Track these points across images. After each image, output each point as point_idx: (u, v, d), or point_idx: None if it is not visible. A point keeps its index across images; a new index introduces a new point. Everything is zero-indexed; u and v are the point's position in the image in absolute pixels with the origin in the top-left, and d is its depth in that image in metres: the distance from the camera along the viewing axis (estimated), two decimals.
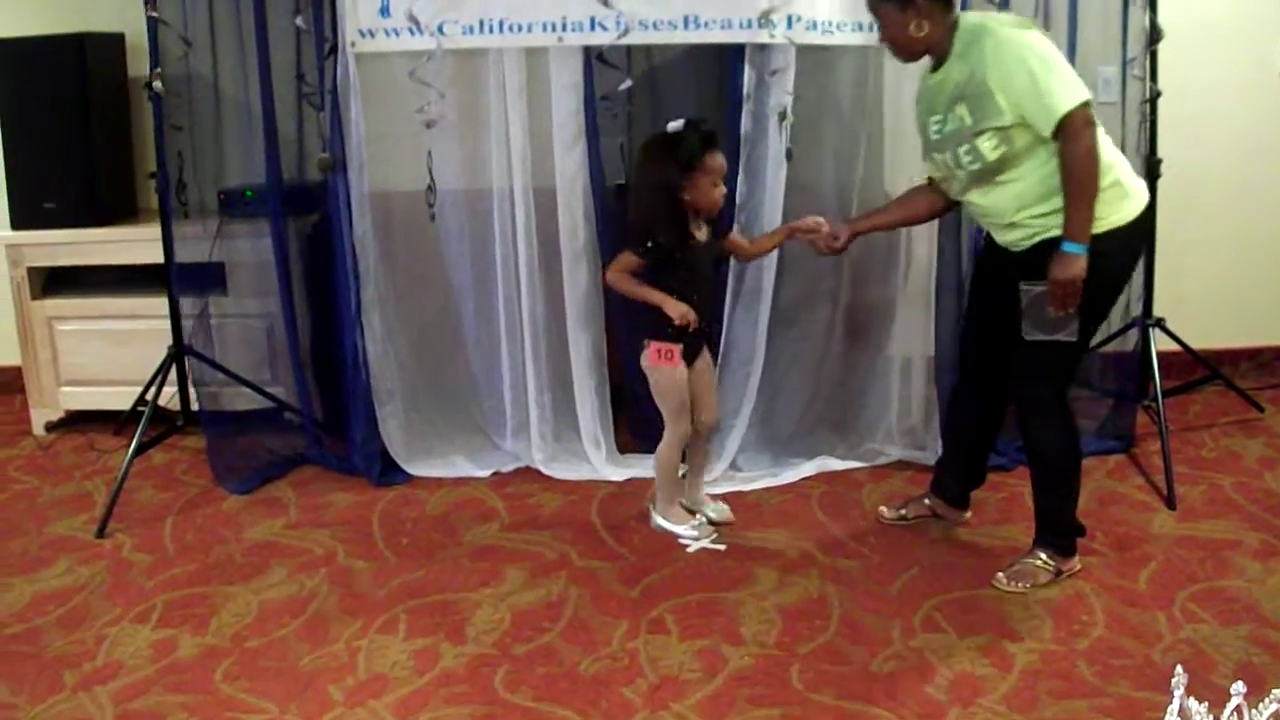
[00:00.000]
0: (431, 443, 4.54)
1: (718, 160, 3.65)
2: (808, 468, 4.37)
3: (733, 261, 4.22)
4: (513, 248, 4.34)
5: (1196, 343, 4.82)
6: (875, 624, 3.33)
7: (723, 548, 3.82)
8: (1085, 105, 3.14)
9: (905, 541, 3.84)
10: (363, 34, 4.12)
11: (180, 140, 4.49)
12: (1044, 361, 3.40)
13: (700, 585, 3.58)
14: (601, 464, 4.40)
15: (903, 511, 3.96)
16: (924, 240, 4.36)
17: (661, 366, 3.80)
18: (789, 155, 4.16)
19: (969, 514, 3.95)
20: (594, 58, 4.15)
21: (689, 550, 3.80)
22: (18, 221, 4.89)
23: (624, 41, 4.08)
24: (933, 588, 3.52)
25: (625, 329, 4.24)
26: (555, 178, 4.24)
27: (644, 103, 4.53)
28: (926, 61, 3.45)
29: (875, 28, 3.46)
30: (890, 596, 3.49)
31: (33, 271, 4.92)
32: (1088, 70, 4.18)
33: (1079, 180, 3.16)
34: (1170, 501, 4.06)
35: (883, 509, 4.00)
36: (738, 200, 4.21)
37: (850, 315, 4.49)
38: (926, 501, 3.95)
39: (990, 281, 3.64)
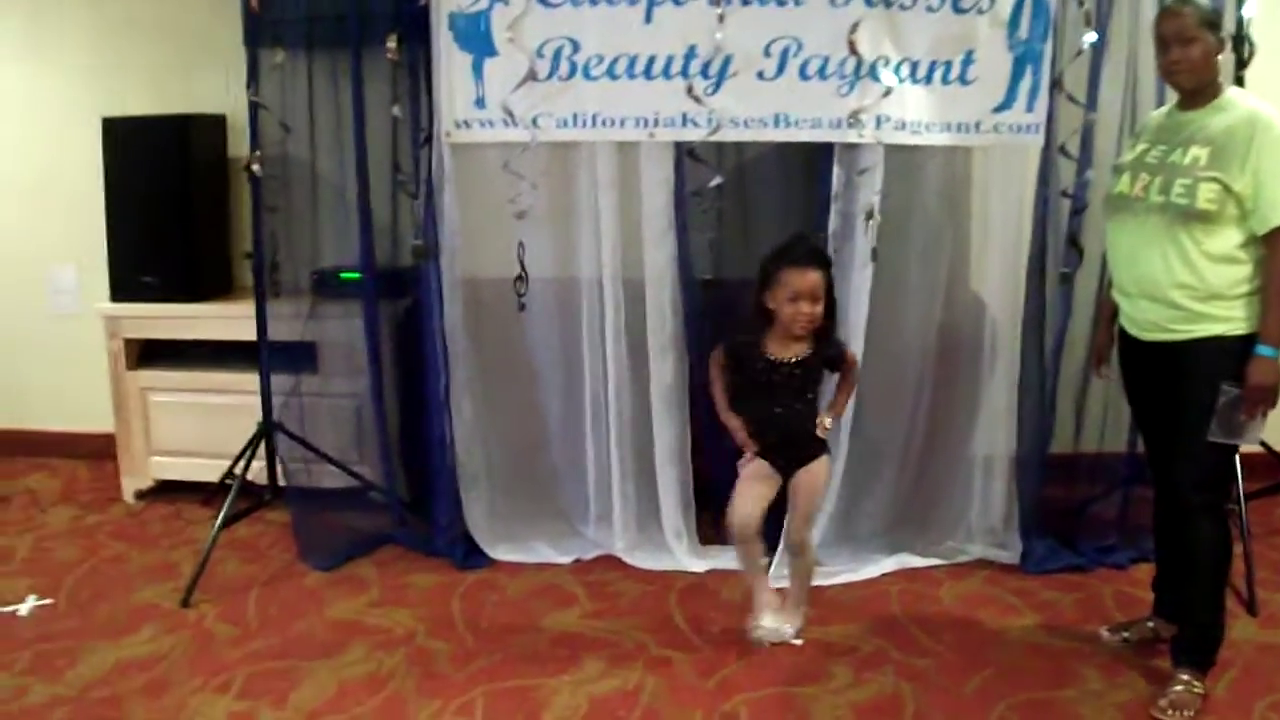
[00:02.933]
0: (514, 527, 4.55)
1: (802, 278, 3.56)
2: (887, 564, 4.36)
3: None
4: (600, 337, 4.37)
5: None
6: None
7: (800, 642, 3.81)
8: None
9: (981, 641, 3.82)
10: (458, 125, 4.22)
11: (276, 221, 4.59)
12: (1216, 465, 3.37)
13: (775, 679, 3.58)
14: (683, 555, 4.39)
15: (1125, 635, 3.79)
16: (1007, 340, 4.35)
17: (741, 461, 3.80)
18: (874, 255, 4.16)
19: None
20: (685, 153, 4.18)
21: (766, 644, 3.81)
22: (117, 294, 5.03)
23: (715, 138, 4.12)
24: (1007, 689, 3.50)
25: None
26: (644, 270, 4.27)
27: (734, 199, 4.55)
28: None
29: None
30: (965, 696, 3.47)
31: (129, 343, 5.04)
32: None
33: None
34: (1251, 608, 4.00)
35: (1103, 631, 3.84)
36: None
37: (933, 413, 4.47)
38: (1150, 624, 3.76)
39: (1143, 389, 3.60)
